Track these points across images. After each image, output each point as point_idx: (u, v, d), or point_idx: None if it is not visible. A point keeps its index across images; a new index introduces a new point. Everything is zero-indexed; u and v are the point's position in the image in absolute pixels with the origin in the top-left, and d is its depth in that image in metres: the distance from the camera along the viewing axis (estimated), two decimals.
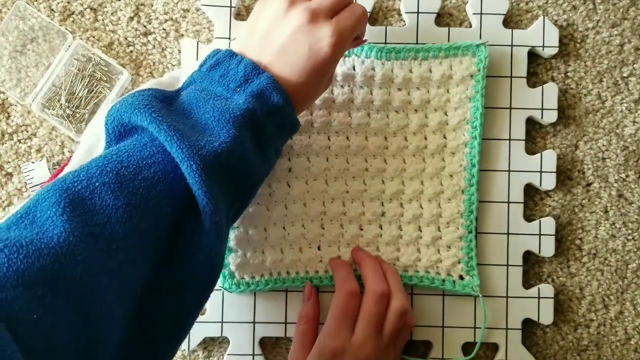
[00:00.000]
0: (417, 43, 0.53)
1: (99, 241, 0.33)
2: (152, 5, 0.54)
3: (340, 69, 0.52)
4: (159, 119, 0.36)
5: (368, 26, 0.53)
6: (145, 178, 0.35)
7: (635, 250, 0.55)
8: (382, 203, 0.52)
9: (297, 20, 0.41)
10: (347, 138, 0.52)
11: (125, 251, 0.34)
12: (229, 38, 0.53)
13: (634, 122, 0.55)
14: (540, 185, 0.53)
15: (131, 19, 0.54)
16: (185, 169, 0.35)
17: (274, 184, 0.52)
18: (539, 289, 0.53)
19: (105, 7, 0.54)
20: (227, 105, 0.38)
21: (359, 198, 0.52)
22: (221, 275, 0.51)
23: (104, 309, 0.33)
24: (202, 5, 0.53)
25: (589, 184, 0.55)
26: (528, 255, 0.53)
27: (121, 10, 0.54)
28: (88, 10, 0.54)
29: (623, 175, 0.55)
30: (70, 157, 0.49)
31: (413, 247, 0.52)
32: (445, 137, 0.52)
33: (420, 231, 0.52)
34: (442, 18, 0.55)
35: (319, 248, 0.52)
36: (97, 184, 0.34)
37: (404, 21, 0.54)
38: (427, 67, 0.52)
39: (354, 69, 0.52)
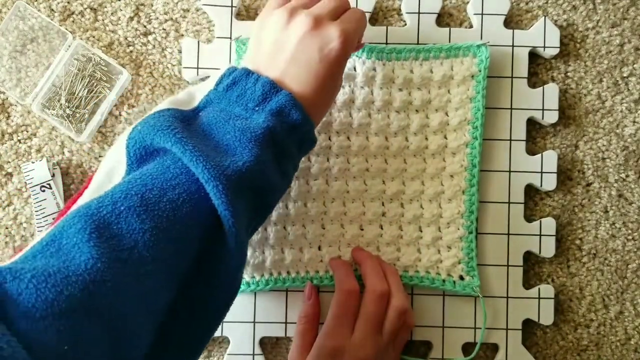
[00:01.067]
0: (418, 43, 0.53)
1: (127, 266, 0.32)
2: (152, 5, 0.54)
3: None
4: (183, 140, 0.36)
5: (369, 26, 0.53)
6: (170, 200, 0.35)
7: (635, 250, 0.55)
8: (383, 203, 0.52)
9: (301, 27, 0.40)
10: (348, 138, 0.52)
11: (153, 275, 0.33)
12: (230, 38, 0.52)
13: (634, 122, 0.55)
14: (541, 185, 0.53)
15: (131, 19, 0.54)
16: (210, 190, 0.35)
17: None
18: (539, 289, 0.53)
19: (105, 7, 0.54)
20: (247, 125, 0.38)
21: (360, 198, 0.52)
22: None
23: (132, 332, 0.32)
24: (202, 4, 0.53)
25: (589, 184, 0.55)
26: (528, 256, 0.53)
27: (121, 10, 0.54)
28: (88, 10, 0.54)
29: (623, 175, 0.55)
30: (89, 179, 0.48)
31: (413, 247, 0.52)
32: (446, 138, 0.52)
33: (421, 231, 0.52)
34: (443, 18, 0.55)
35: (319, 248, 0.52)
36: (122, 208, 0.33)
37: (404, 21, 0.54)
38: (428, 68, 0.52)
39: (354, 70, 0.52)
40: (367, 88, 0.52)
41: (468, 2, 0.54)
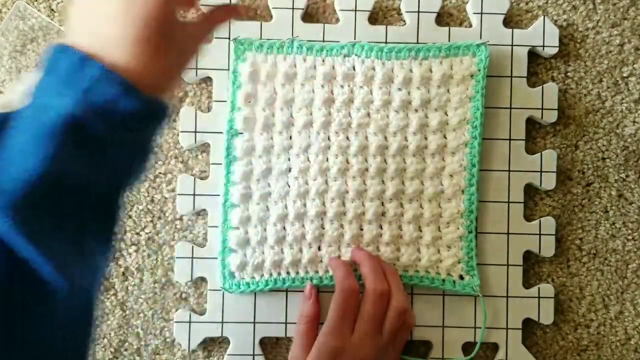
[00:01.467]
0: (417, 42, 0.53)
1: None
2: None
3: (341, 68, 0.51)
4: None
5: (369, 25, 0.53)
6: None
7: (635, 250, 0.55)
8: (382, 203, 0.52)
9: None
10: (347, 138, 0.52)
11: None
12: (229, 38, 0.52)
13: (634, 122, 0.55)
14: (541, 185, 0.53)
15: None
16: None
17: (273, 184, 0.52)
18: (539, 288, 0.53)
19: None
20: (43, 119, 0.30)
21: (359, 198, 0.52)
22: (221, 276, 0.51)
23: None
24: (201, 5, 0.53)
25: (589, 184, 0.55)
26: (528, 255, 0.53)
27: None
28: None
29: (623, 175, 0.55)
30: None
31: (413, 247, 0.52)
32: (445, 137, 0.52)
33: (421, 231, 0.52)
34: (443, 17, 0.55)
35: (319, 248, 0.52)
36: None
37: (404, 20, 0.54)
38: (428, 67, 0.52)
39: (354, 69, 0.52)
40: (367, 87, 0.52)
41: (467, 2, 0.54)
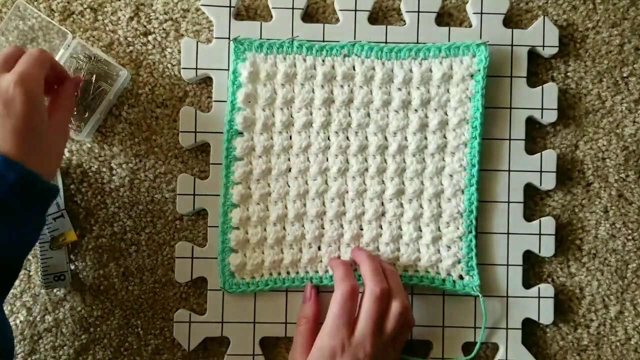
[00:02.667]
0: (417, 42, 0.53)
1: None
2: (152, 5, 0.54)
3: (340, 68, 0.51)
4: None
5: (368, 25, 0.53)
6: None
7: (635, 250, 0.55)
8: (382, 203, 0.52)
9: None
10: (347, 138, 0.52)
11: None
12: (229, 38, 0.52)
13: (634, 122, 0.55)
14: (541, 185, 0.53)
15: (131, 19, 0.54)
16: None
17: (273, 184, 0.52)
18: (539, 288, 0.53)
19: (105, 7, 0.54)
20: None
21: (359, 198, 0.52)
22: (221, 276, 0.51)
23: None
24: (201, 5, 0.53)
25: (589, 184, 0.55)
26: (528, 255, 0.53)
27: (121, 10, 0.54)
28: (88, 10, 0.54)
29: (623, 175, 0.55)
30: None
31: (413, 246, 0.52)
32: (445, 137, 0.52)
33: (421, 231, 0.52)
34: (443, 17, 0.55)
35: (319, 248, 0.52)
36: None
37: (404, 20, 0.54)
38: (427, 67, 0.52)
39: (353, 69, 0.52)
40: (366, 87, 0.52)
41: (467, 2, 0.54)
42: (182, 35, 0.54)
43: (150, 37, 0.54)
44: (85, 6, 0.54)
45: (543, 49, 0.53)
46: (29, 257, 0.53)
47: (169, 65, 0.54)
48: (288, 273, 0.52)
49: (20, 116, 0.41)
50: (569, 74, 0.55)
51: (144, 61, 0.54)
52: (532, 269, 0.54)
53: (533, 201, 0.54)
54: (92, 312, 0.53)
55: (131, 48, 0.54)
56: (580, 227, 0.55)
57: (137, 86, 0.54)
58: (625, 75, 0.55)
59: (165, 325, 0.53)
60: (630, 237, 0.55)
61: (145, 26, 0.54)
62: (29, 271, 0.53)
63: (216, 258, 0.52)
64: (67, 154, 0.53)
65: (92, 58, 0.52)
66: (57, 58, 0.52)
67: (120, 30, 0.54)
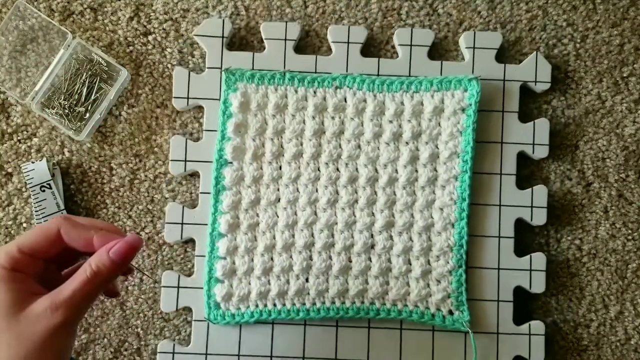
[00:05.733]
0: (409, 75, 0.53)
1: None
2: (152, 5, 0.55)
3: (332, 100, 0.52)
4: None
5: (361, 57, 0.53)
6: None
7: (635, 250, 0.54)
8: (372, 235, 0.52)
9: None
10: (337, 169, 0.52)
11: None
12: (221, 68, 0.53)
13: (634, 122, 0.55)
14: (531, 220, 0.53)
15: (131, 19, 0.55)
16: None
17: (262, 214, 0.51)
18: (529, 325, 0.52)
19: (105, 7, 0.55)
20: None
21: (349, 229, 0.52)
22: (206, 306, 0.51)
23: None
24: (194, 35, 0.53)
25: (589, 184, 0.55)
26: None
27: (121, 10, 0.55)
28: (88, 10, 0.55)
29: (623, 175, 0.55)
30: None
31: (402, 280, 0.51)
32: (436, 170, 0.52)
33: (410, 264, 0.52)
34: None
35: (306, 279, 0.51)
36: None
37: (397, 53, 0.54)
38: (419, 100, 0.52)
39: (345, 101, 0.52)
40: (358, 119, 0.52)
41: (460, 36, 0.54)
42: (182, 35, 0.54)
43: (150, 37, 0.55)
44: (85, 6, 0.55)
45: (535, 84, 0.53)
46: None
47: (169, 65, 0.54)
48: (275, 305, 0.51)
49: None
50: (569, 74, 0.55)
51: (144, 61, 0.54)
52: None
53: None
54: (92, 312, 0.53)
55: (131, 48, 0.54)
56: (580, 227, 0.54)
57: (137, 86, 0.54)
58: (625, 75, 0.55)
59: (165, 325, 0.53)
60: (630, 237, 0.54)
61: (145, 26, 0.55)
62: None
63: (202, 288, 0.51)
64: (67, 154, 0.54)
65: (92, 58, 0.52)
66: (57, 59, 0.52)
67: (120, 30, 0.54)
